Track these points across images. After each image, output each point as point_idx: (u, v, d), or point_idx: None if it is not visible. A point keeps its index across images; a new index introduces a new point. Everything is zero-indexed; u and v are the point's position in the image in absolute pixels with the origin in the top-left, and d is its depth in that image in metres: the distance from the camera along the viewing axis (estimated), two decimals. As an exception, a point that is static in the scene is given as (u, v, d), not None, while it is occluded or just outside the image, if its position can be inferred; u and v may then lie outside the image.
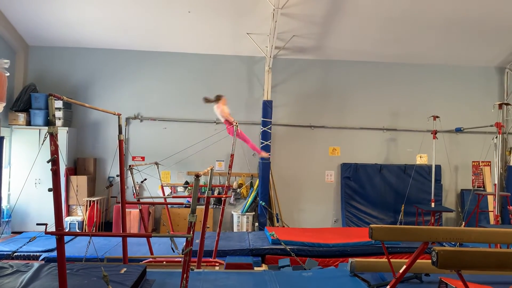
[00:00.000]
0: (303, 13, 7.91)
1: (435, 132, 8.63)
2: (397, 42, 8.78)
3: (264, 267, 6.12)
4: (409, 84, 9.59)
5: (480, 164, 9.41)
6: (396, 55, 9.29)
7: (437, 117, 8.59)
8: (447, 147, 9.08)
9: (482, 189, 9.38)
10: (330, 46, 8.98)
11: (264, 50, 8.80)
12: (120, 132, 4.86)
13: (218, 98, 7.06)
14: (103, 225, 8.64)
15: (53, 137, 3.15)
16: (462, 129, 8.69)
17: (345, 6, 7.76)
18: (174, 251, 6.15)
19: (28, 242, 5.70)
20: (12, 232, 8.14)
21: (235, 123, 6.77)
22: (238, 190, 9.09)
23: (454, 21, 8.08)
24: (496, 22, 8.06)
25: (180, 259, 5.86)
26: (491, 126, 7.28)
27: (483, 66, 9.66)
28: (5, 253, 6.22)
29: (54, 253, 5.87)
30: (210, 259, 6.06)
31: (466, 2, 7.57)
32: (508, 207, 7.62)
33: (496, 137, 7.14)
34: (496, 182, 7.07)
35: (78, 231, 8.09)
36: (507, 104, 7.35)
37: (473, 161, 9.51)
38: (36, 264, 4.61)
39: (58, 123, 8.36)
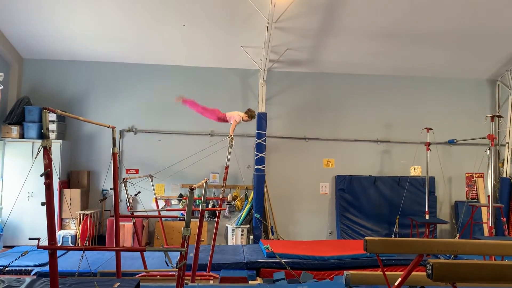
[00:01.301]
0: (297, 26, 7.99)
1: (428, 144, 8.68)
2: (389, 55, 8.88)
3: (259, 280, 6.08)
4: (402, 96, 9.67)
5: (474, 175, 9.46)
6: (389, 68, 9.39)
7: (430, 129, 8.66)
8: (440, 159, 9.13)
9: (476, 200, 9.41)
10: (324, 59, 9.06)
11: (259, 63, 8.86)
12: (114, 145, 4.85)
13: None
14: (97, 239, 8.56)
15: (46, 151, 3.14)
16: (455, 141, 8.75)
17: (339, 20, 7.85)
18: (168, 265, 6.08)
19: (20, 257, 5.64)
20: (4, 247, 8.03)
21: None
22: (233, 202, 9.06)
23: (446, 34, 8.20)
24: (487, 35, 8.18)
25: (174, 273, 5.81)
26: (484, 138, 7.34)
27: (475, 79, 9.78)
28: (-3, 267, 6.14)
29: (47, 268, 5.79)
30: (205, 273, 6.01)
31: (457, 16, 7.69)
32: (501, 218, 7.65)
33: (489, 149, 7.20)
34: (490, 194, 7.11)
35: (71, 245, 8.00)
36: (499, 116, 7.44)
37: (466, 173, 9.56)
38: (28, 279, 4.55)
39: (52, 136, 8.32)
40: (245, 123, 7.50)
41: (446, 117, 9.57)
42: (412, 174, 9.05)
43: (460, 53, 8.83)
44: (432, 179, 9.17)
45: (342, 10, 7.59)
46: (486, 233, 8.68)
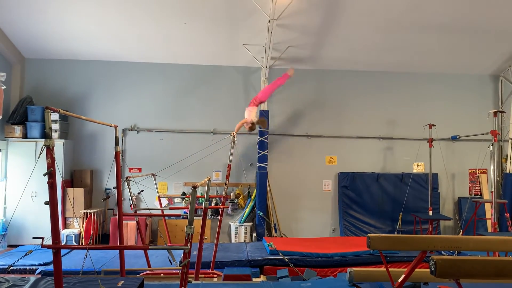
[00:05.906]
0: (298, 23, 7.97)
1: (431, 140, 8.66)
2: (391, 51, 8.85)
3: (262, 278, 6.09)
4: (404, 92, 9.65)
5: (477, 171, 9.43)
6: (391, 64, 9.36)
7: (433, 125, 8.63)
8: (443, 155, 9.10)
9: (479, 196, 9.40)
10: (326, 55, 9.04)
11: (260, 60, 8.85)
12: (116, 143, 4.86)
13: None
14: (100, 238, 8.59)
15: (49, 150, 3.15)
16: (458, 137, 8.72)
17: (340, 16, 7.82)
18: (171, 263, 6.11)
19: (24, 256, 5.66)
20: (8, 246, 8.07)
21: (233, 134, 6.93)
22: (236, 200, 9.07)
23: (448, 30, 8.16)
24: (490, 30, 8.15)
25: (178, 271, 5.83)
26: (487, 134, 7.31)
27: (478, 74, 9.74)
28: (1, 267, 6.18)
29: (51, 267, 5.83)
30: (208, 271, 6.03)
31: (460, 11, 7.65)
32: (505, 214, 7.63)
33: (492, 145, 7.17)
34: (493, 190, 7.08)
35: (74, 243, 8.03)
36: (502, 112, 7.38)
37: (469, 169, 9.54)
38: (32, 278, 4.56)
39: (55, 135, 8.35)
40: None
41: (449, 113, 9.54)
42: (415, 171, 9.03)
43: (463, 48, 8.79)
44: (435, 176, 9.15)
45: (343, 6, 7.57)
46: (489, 229, 8.66)
